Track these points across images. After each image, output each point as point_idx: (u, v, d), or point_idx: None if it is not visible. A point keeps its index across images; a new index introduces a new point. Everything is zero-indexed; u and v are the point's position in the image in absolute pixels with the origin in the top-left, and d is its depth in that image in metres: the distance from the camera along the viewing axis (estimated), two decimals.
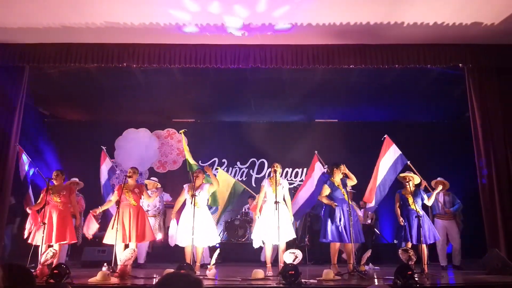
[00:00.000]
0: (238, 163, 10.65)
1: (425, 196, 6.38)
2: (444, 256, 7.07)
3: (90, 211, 6.34)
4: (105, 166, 8.10)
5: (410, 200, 6.18)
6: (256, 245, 6.10)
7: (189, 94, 9.39)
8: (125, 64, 6.83)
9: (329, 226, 5.89)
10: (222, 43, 6.70)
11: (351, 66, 6.83)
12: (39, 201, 6.20)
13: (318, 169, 6.75)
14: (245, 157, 10.66)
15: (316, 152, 6.92)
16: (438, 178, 7.10)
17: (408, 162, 6.62)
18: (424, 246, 6.00)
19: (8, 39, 6.63)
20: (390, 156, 6.74)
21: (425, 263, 5.84)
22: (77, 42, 6.72)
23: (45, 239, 5.77)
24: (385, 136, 6.92)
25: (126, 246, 5.95)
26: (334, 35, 6.49)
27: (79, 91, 9.35)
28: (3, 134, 6.75)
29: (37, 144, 10.12)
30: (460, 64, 6.82)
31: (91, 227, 6.62)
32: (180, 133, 7.63)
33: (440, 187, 6.78)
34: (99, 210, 6.30)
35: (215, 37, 6.54)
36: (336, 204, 5.91)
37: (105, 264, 5.47)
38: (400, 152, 6.75)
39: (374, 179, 6.71)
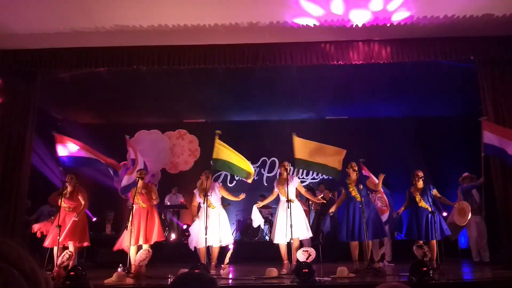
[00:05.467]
0: (249, 162, 10.64)
1: (434, 191, 6.26)
2: (476, 252, 6.91)
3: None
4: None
5: (418, 198, 6.13)
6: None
7: (199, 95, 9.42)
8: (135, 66, 6.89)
9: (343, 225, 5.94)
10: (230, 43, 6.71)
11: (360, 62, 6.79)
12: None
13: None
14: (256, 156, 10.66)
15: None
16: (467, 174, 7.00)
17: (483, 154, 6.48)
18: (434, 242, 5.93)
19: (20, 45, 6.73)
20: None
21: (435, 259, 5.77)
22: (88, 46, 6.80)
23: (60, 241, 5.85)
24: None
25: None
26: (342, 31, 6.46)
27: (90, 94, 9.45)
28: (17, 139, 6.86)
29: (51, 148, 10.26)
30: (471, 57, 6.73)
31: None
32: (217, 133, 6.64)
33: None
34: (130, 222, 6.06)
35: (224, 37, 6.56)
36: (332, 211, 6.18)
37: (120, 265, 5.54)
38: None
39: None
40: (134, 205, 5.96)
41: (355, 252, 5.92)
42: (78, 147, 6.73)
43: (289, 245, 5.83)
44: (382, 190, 7.13)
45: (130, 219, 5.86)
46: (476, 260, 6.85)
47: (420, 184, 6.17)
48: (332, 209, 6.22)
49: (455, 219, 6.24)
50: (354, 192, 5.88)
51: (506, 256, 5.77)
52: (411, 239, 6.27)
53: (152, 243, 6.07)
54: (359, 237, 5.75)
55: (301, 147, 6.35)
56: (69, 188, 6.19)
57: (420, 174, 6.24)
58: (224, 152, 6.43)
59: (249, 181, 6.46)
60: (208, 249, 5.98)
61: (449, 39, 6.60)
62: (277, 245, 6.05)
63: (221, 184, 6.41)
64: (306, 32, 6.43)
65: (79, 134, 10.51)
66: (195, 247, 6.08)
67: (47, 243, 5.98)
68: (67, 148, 6.70)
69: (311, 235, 6.10)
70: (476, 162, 7.75)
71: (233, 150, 6.55)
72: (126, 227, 6.06)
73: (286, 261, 5.89)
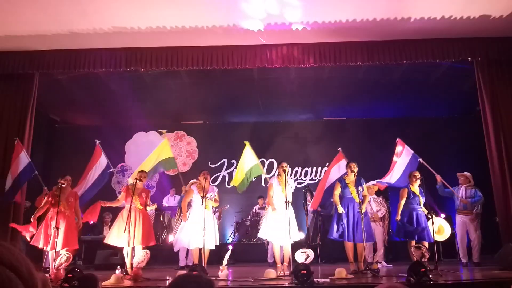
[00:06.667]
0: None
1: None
2: (465, 252, 6.84)
3: (100, 201, 6.30)
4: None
5: (420, 198, 6.13)
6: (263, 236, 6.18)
7: (197, 96, 9.42)
8: (133, 68, 6.89)
9: (336, 224, 5.88)
10: (228, 44, 6.71)
11: (358, 63, 6.80)
12: (42, 204, 6.21)
13: (337, 169, 6.64)
14: None
15: (339, 149, 6.83)
16: (464, 173, 7.01)
17: (420, 160, 6.54)
18: (426, 243, 5.93)
19: (18, 46, 6.72)
20: (403, 159, 6.70)
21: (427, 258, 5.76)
22: (86, 48, 6.79)
23: (50, 245, 5.82)
24: (397, 139, 6.90)
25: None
26: (340, 33, 6.47)
27: (88, 96, 9.44)
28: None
29: (49, 149, 10.26)
30: (469, 58, 6.75)
31: (92, 216, 6.45)
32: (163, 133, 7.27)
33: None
34: (107, 204, 6.23)
35: (222, 38, 6.56)
36: (341, 209, 5.88)
37: (118, 267, 5.52)
38: (412, 152, 6.69)
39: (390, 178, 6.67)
40: (130, 206, 5.95)
41: (350, 253, 5.89)
42: None
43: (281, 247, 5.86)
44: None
45: (127, 220, 5.83)
46: (464, 260, 6.78)
47: (417, 185, 6.17)
48: (340, 210, 6.05)
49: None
50: (354, 193, 5.86)
51: (503, 257, 5.77)
52: (408, 239, 6.26)
53: (148, 245, 6.08)
54: (355, 239, 5.73)
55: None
56: (64, 189, 6.16)
57: (418, 175, 6.23)
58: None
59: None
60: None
61: (446, 40, 6.63)
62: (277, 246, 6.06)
63: (217, 190, 6.42)
64: (304, 33, 6.45)
65: (76, 136, 10.52)
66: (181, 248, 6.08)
67: (38, 243, 5.96)
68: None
69: (302, 236, 6.10)
70: (475, 163, 7.78)
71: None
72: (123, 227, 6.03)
73: (279, 265, 5.90)
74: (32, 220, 6.16)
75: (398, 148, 6.89)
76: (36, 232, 6.05)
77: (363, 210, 5.84)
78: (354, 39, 6.65)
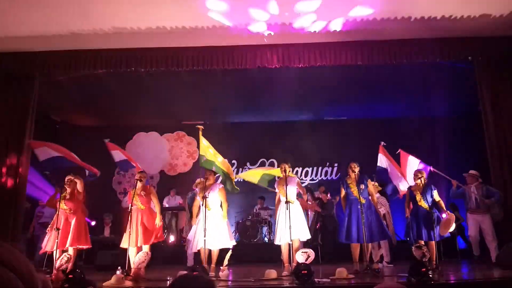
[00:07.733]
0: (248, 163, 10.65)
1: (434, 193, 6.23)
2: (477, 249, 6.86)
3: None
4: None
5: (418, 197, 6.10)
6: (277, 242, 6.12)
7: (197, 96, 9.41)
8: (133, 68, 6.89)
9: (344, 226, 5.89)
10: (228, 44, 6.71)
11: (358, 63, 6.80)
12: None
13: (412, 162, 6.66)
14: (255, 158, 10.66)
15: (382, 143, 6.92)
16: (470, 172, 6.99)
17: (431, 168, 6.54)
18: (433, 242, 5.91)
19: (18, 47, 6.72)
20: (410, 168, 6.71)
21: (434, 259, 5.76)
22: (86, 49, 6.80)
23: (58, 244, 5.82)
24: (399, 150, 6.89)
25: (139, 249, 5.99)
26: (340, 32, 6.46)
27: (88, 96, 9.44)
28: (17, 141, 6.85)
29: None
30: (469, 58, 6.74)
31: None
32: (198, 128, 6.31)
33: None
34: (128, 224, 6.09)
35: (222, 38, 6.56)
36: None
37: (119, 267, 5.52)
38: (418, 161, 6.67)
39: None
40: (132, 207, 5.96)
41: (355, 253, 5.89)
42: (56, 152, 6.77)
43: (289, 246, 5.81)
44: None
45: (129, 221, 5.84)
46: (476, 254, 6.83)
47: (420, 183, 6.16)
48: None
49: (440, 230, 6.15)
50: (355, 193, 5.84)
51: (504, 256, 5.76)
52: (410, 239, 6.25)
53: (151, 243, 6.07)
54: (358, 239, 5.72)
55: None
56: (68, 190, 6.17)
57: (420, 174, 6.23)
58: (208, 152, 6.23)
59: (236, 192, 6.44)
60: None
61: (447, 40, 6.62)
62: (276, 247, 6.03)
63: (222, 186, 6.28)
64: (304, 33, 6.45)
65: (77, 136, 10.52)
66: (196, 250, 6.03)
67: (48, 248, 5.94)
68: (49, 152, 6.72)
69: (309, 236, 6.06)
70: (476, 163, 7.76)
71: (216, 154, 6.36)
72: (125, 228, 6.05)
73: (287, 264, 5.87)
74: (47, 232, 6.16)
75: (407, 158, 6.85)
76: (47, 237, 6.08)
77: (375, 201, 5.95)
78: (354, 39, 6.65)
